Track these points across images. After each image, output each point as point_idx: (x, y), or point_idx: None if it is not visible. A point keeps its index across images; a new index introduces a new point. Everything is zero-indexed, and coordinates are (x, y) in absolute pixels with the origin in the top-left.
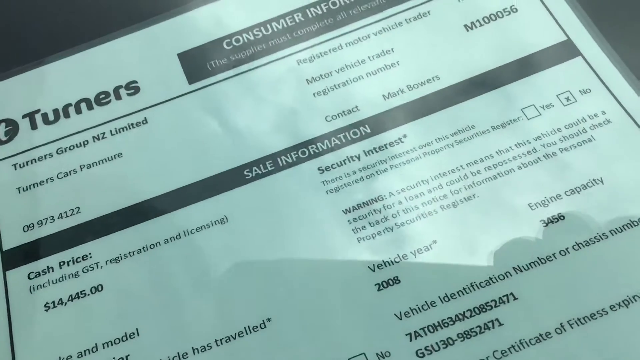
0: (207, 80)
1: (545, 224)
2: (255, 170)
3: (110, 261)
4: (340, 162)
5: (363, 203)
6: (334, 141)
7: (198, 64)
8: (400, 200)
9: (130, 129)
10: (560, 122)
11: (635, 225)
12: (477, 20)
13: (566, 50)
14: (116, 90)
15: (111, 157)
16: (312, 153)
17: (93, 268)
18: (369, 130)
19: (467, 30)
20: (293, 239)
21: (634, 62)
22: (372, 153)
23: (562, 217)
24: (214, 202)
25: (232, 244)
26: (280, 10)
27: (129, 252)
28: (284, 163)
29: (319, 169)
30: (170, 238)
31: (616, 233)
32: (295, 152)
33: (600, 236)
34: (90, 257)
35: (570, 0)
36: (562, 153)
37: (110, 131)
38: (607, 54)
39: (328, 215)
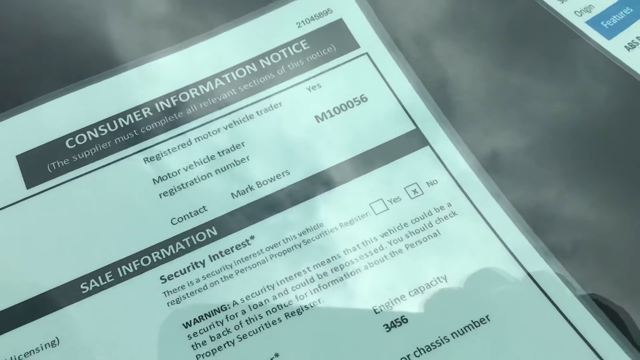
0: (47, 183)
1: (388, 329)
2: (93, 283)
3: None
4: (184, 269)
5: (205, 315)
6: (179, 246)
7: (37, 166)
8: (244, 309)
9: None
10: (407, 217)
11: (476, 327)
12: (328, 111)
13: (414, 140)
14: None
15: None
16: (155, 260)
17: None
18: (215, 233)
19: (318, 122)
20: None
21: (481, 152)
22: (218, 258)
23: (405, 320)
24: (44, 323)
25: None
26: (126, 106)
27: None
28: (125, 273)
29: (161, 278)
30: None
31: (457, 335)
32: (137, 260)
33: (441, 340)
34: None
35: (420, 89)
36: (407, 250)
37: None
38: (454, 144)
39: (167, 331)
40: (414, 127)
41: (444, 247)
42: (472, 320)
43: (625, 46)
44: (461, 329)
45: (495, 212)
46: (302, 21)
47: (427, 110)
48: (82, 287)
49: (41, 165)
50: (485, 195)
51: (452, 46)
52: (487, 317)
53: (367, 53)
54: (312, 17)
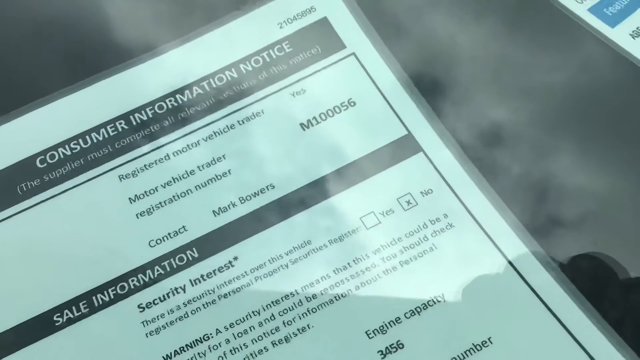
0: (17, 206)
1: (383, 356)
2: (67, 314)
3: None
4: (163, 296)
5: (187, 346)
6: (158, 271)
7: (7, 188)
8: (228, 338)
9: None
10: (401, 231)
11: (478, 350)
12: (314, 118)
13: (407, 146)
14: None
15: None
16: (132, 287)
17: None
18: (196, 255)
19: (304, 129)
20: None
21: (479, 159)
22: (199, 282)
23: (401, 346)
24: (16, 359)
25: None
26: (99, 120)
27: None
28: (100, 302)
29: (139, 307)
30: None
31: None
32: (113, 287)
33: None
34: None
35: (411, 91)
36: (402, 267)
37: None
38: (450, 149)
39: None
40: (406, 132)
41: (442, 262)
42: (473, 344)
43: (630, 34)
44: (462, 354)
45: (494, 222)
46: (284, 21)
47: (420, 113)
48: (55, 319)
49: (10, 187)
50: (484, 205)
51: (445, 42)
52: (489, 339)
53: (354, 53)
54: (294, 16)
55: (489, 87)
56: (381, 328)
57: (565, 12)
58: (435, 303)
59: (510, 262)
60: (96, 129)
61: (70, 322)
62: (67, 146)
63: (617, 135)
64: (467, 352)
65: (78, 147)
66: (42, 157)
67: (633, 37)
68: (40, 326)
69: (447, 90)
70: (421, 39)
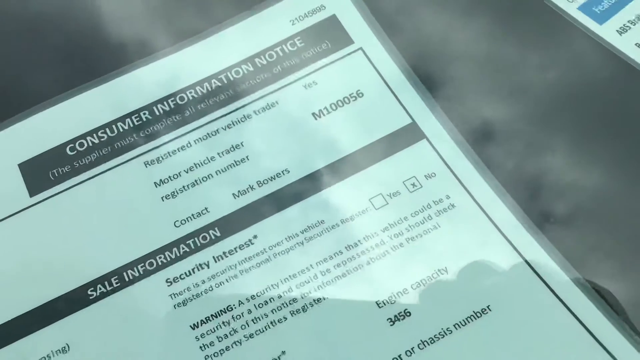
0: (50, 191)
1: (392, 323)
2: (100, 289)
3: None
4: (189, 271)
5: (212, 315)
6: (183, 248)
7: (40, 173)
8: (250, 308)
9: None
10: (407, 211)
11: (478, 317)
12: (325, 108)
13: (411, 134)
14: None
15: None
16: (160, 264)
17: None
18: (218, 234)
19: (316, 119)
20: None
21: (478, 146)
22: (222, 259)
23: (408, 314)
24: (54, 329)
25: None
26: (126, 109)
27: None
28: (131, 277)
29: (166, 281)
30: None
31: (460, 327)
32: (142, 264)
33: (444, 331)
34: None
35: (415, 82)
36: (408, 243)
37: None
38: (451, 136)
39: (175, 333)
40: (411, 121)
41: (444, 238)
42: (473, 311)
43: (617, 30)
44: (463, 320)
45: (491, 202)
46: (296, 18)
47: (423, 103)
48: (89, 292)
49: (43, 172)
50: (482, 186)
51: (445, 37)
52: (488, 307)
53: (361, 48)
54: (305, 14)
55: (486, 80)
56: (390, 298)
57: (558, 11)
58: (439, 275)
59: (506, 238)
60: (122, 119)
61: (103, 295)
62: (95, 135)
63: (606, 126)
64: (469, 319)
65: (105, 136)
66: (72, 145)
67: (620, 34)
68: (76, 299)
69: (448, 81)
70: (423, 34)
